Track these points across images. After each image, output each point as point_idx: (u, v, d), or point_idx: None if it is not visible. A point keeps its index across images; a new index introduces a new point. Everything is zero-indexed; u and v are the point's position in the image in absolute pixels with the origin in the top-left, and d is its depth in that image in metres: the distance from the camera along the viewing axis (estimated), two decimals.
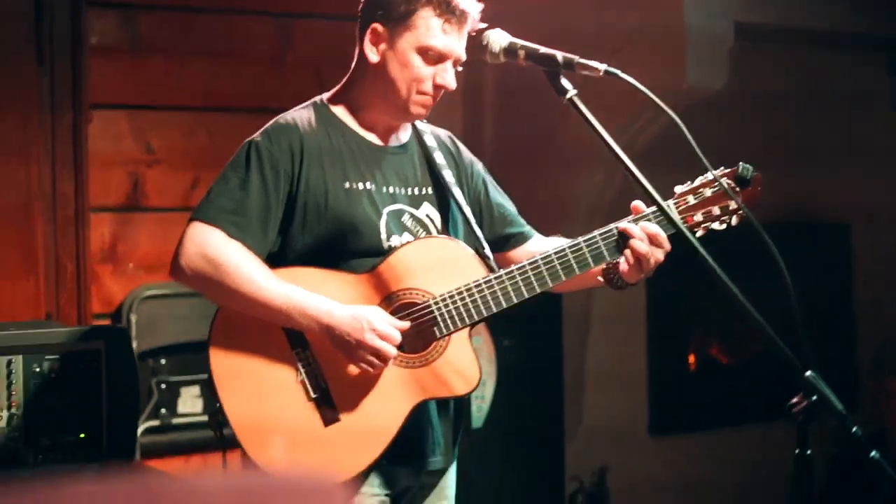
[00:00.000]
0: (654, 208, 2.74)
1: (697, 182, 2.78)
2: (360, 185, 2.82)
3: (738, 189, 2.74)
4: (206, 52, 4.63)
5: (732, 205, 2.76)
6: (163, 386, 4.31)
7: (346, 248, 2.79)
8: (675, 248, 2.74)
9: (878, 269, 6.18)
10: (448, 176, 2.94)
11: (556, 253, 2.77)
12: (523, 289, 2.76)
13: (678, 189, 2.80)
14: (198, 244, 2.72)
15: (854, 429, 2.10)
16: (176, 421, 4.33)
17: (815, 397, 2.12)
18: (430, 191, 2.93)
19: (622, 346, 5.60)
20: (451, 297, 2.75)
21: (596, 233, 2.78)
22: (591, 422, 5.45)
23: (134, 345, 4.08)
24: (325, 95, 2.94)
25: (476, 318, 2.76)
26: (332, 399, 2.74)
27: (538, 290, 2.78)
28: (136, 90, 4.52)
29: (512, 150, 5.32)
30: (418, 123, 2.98)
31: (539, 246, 2.97)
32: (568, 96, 2.53)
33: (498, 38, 2.70)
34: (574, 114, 2.54)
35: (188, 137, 4.58)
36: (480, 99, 5.30)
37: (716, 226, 2.78)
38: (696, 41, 4.66)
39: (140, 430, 4.10)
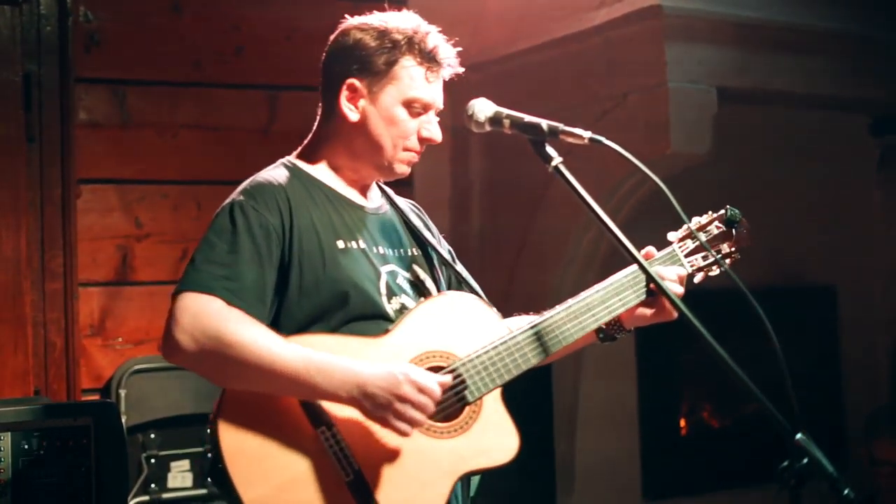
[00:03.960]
0: (668, 250, 2.75)
1: (693, 227, 2.78)
2: (354, 245, 2.61)
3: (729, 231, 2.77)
4: (193, 125, 4.65)
5: (725, 248, 2.78)
6: (152, 461, 4.26)
7: (347, 311, 2.52)
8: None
9: (865, 330, 6.19)
10: (429, 237, 2.82)
11: (598, 291, 2.67)
12: (550, 343, 2.61)
13: (671, 236, 2.79)
14: (194, 316, 2.36)
15: (846, 491, 2.09)
16: (166, 496, 4.27)
17: (805, 460, 2.11)
18: (415, 252, 2.77)
19: (613, 412, 5.57)
20: (479, 356, 2.54)
21: (628, 270, 2.70)
22: (584, 487, 5.42)
23: (123, 419, 4.05)
24: (292, 156, 2.74)
25: (507, 377, 2.55)
26: (366, 481, 2.41)
27: (571, 341, 2.63)
28: (125, 164, 4.53)
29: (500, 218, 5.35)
30: (385, 186, 2.84)
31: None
32: (553, 164, 2.48)
33: (483, 108, 2.62)
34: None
35: (177, 210, 4.59)
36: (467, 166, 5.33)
37: (714, 271, 2.78)
38: (680, 107, 4.69)
39: None
